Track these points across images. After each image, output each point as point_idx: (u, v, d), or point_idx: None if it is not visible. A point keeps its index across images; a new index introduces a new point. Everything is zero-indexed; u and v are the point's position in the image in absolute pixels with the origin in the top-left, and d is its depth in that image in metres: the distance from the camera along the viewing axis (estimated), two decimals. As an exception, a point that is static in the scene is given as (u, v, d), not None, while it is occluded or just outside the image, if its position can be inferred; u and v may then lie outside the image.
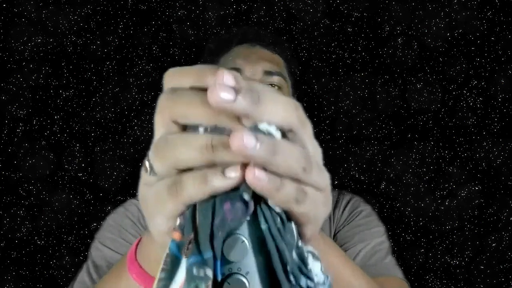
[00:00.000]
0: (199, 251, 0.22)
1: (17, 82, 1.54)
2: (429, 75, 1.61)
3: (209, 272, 0.22)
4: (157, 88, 1.61)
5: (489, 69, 1.61)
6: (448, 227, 1.60)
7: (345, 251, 0.74)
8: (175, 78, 0.24)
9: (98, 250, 0.73)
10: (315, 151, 0.26)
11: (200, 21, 1.58)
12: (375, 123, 1.62)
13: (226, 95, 0.20)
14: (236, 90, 0.20)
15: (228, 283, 0.23)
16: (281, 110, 0.23)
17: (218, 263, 0.22)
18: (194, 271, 0.22)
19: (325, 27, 1.61)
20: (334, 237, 0.80)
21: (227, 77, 0.20)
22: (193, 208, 0.23)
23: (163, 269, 0.23)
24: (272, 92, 0.22)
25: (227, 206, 0.23)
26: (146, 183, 0.26)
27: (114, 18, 1.60)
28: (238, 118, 0.22)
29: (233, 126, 0.22)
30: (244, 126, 0.22)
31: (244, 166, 0.22)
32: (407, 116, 1.63)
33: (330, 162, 1.60)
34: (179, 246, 0.24)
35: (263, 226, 0.23)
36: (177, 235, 0.24)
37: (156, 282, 0.23)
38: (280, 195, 0.22)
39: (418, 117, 1.63)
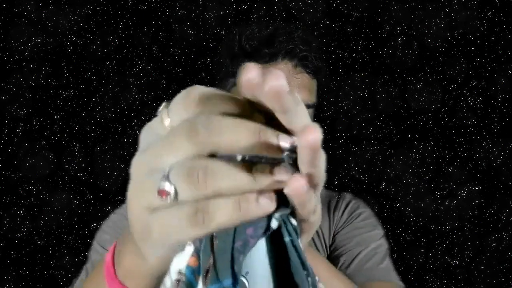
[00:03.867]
0: (218, 279, 0.21)
1: (17, 82, 1.54)
2: (429, 75, 1.61)
3: None
4: (157, 88, 1.61)
5: (489, 69, 1.61)
6: (448, 227, 1.60)
7: (343, 253, 0.75)
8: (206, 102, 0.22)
9: (97, 252, 0.73)
10: None
11: (200, 21, 1.58)
12: (375, 123, 1.62)
13: (280, 85, 0.20)
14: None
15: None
16: (319, 180, 0.23)
17: None
18: None
19: (325, 27, 1.61)
20: (333, 238, 0.80)
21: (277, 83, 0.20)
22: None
23: None
24: (321, 167, 0.23)
25: (249, 231, 0.22)
26: (150, 207, 0.23)
27: (114, 18, 1.60)
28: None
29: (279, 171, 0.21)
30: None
31: (274, 192, 0.21)
32: (407, 116, 1.63)
33: (330, 162, 1.59)
34: (194, 272, 0.23)
35: (287, 238, 0.23)
36: (192, 261, 0.23)
37: None
38: (309, 206, 0.23)
39: (418, 117, 1.63)
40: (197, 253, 0.23)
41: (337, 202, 0.85)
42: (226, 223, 0.21)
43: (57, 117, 1.58)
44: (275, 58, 0.72)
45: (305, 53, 0.72)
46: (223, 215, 0.21)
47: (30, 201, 1.55)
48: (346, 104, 1.60)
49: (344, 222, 0.81)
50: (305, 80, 0.74)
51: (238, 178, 0.21)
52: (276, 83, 0.20)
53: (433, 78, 1.61)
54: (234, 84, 0.74)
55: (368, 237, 0.77)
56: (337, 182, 1.61)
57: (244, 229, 0.22)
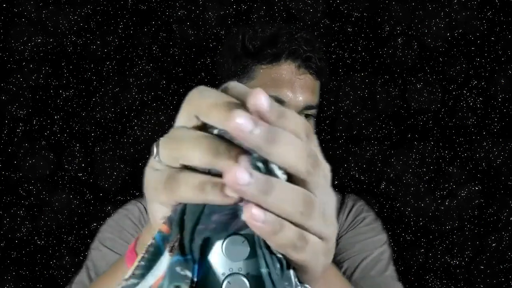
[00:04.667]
0: (183, 252, 0.22)
1: (17, 82, 1.54)
2: (429, 75, 1.61)
3: (189, 274, 0.22)
4: (157, 88, 1.61)
5: (489, 69, 1.61)
6: (448, 227, 1.60)
7: (346, 259, 0.74)
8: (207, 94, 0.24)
9: (98, 250, 0.73)
10: (326, 199, 0.24)
11: (200, 21, 1.58)
12: (375, 123, 1.62)
13: (246, 123, 0.19)
14: (256, 123, 0.19)
15: (229, 282, 0.23)
16: (292, 156, 0.21)
17: (196, 266, 0.23)
18: (178, 269, 0.22)
19: (325, 27, 1.61)
20: (336, 242, 0.80)
21: (260, 103, 0.20)
22: (184, 206, 0.23)
23: (143, 257, 0.23)
24: (289, 137, 0.21)
25: (214, 217, 0.22)
26: (151, 166, 0.26)
27: (114, 18, 1.60)
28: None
29: (229, 163, 0.21)
30: (246, 156, 0.21)
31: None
32: (407, 116, 1.63)
33: (330, 162, 1.59)
34: (164, 238, 0.24)
35: (263, 270, 0.22)
36: (164, 228, 0.24)
37: (133, 267, 0.23)
38: (278, 239, 0.21)
39: (418, 117, 1.63)
40: (170, 221, 0.24)
41: (342, 204, 0.85)
42: (188, 198, 0.22)
43: (57, 117, 1.58)
44: (278, 58, 0.72)
45: (308, 53, 0.72)
46: (187, 189, 0.22)
47: (30, 201, 1.55)
48: (346, 104, 1.60)
49: (348, 226, 0.81)
50: (308, 81, 0.74)
51: (202, 148, 0.22)
52: (235, 122, 0.19)
53: (433, 78, 1.61)
54: None
55: (372, 242, 0.76)
56: (337, 182, 1.61)
57: (210, 214, 0.22)
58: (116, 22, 1.60)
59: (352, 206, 0.84)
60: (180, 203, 0.24)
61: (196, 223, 0.23)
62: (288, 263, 0.24)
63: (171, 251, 0.23)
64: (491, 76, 1.61)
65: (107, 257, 0.71)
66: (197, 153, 0.22)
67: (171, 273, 0.22)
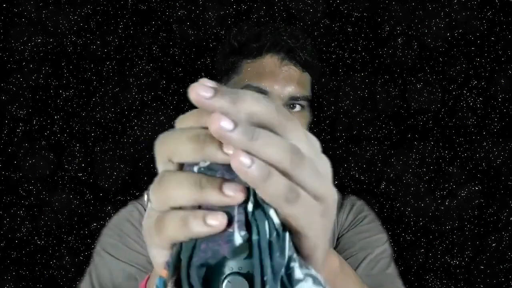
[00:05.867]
0: None
1: (17, 82, 1.54)
2: (429, 75, 1.61)
3: None
4: (157, 88, 1.61)
5: (489, 69, 1.61)
6: (448, 227, 1.60)
7: (347, 258, 0.75)
8: (180, 122, 0.24)
9: (100, 257, 0.72)
10: (321, 162, 0.25)
11: (200, 21, 1.58)
12: (375, 123, 1.62)
13: (226, 124, 0.20)
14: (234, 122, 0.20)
15: (229, 281, 0.23)
16: (274, 151, 0.21)
17: None
18: None
19: (325, 27, 1.61)
20: (337, 241, 0.80)
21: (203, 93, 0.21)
22: (179, 247, 0.24)
23: None
24: (267, 134, 0.21)
25: (203, 246, 0.23)
26: (147, 214, 0.26)
27: (114, 18, 1.60)
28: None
29: (213, 193, 0.22)
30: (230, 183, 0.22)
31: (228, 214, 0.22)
32: (407, 116, 1.63)
33: (330, 162, 1.59)
34: (164, 283, 0.24)
35: (254, 236, 0.22)
36: (164, 273, 0.24)
37: None
38: (268, 187, 0.21)
39: (418, 117, 1.63)
40: (167, 264, 0.24)
41: (342, 204, 0.85)
42: (177, 235, 0.23)
43: (57, 117, 1.58)
44: (261, 52, 0.73)
45: (291, 46, 0.73)
46: (172, 228, 0.23)
47: (30, 201, 1.55)
48: (346, 104, 1.60)
49: (349, 225, 0.81)
50: (293, 72, 0.74)
51: (184, 187, 0.22)
52: (215, 127, 0.20)
53: (433, 78, 1.61)
54: (227, 81, 0.76)
55: (373, 241, 0.77)
56: (337, 182, 1.61)
57: (200, 245, 0.23)
58: (116, 22, 1.60)
59: (352, 206, 0.84)
60: (175, 244, 0.24)
61: (190, 258, 0.23)
62: (284, 226, 0.23)
63: None
64: (491, 76, 1.61)
65: (109, 264, 0.71)
66: (181, 191, 0.23)
67: None
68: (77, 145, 1.58)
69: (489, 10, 1.59)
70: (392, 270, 0.74)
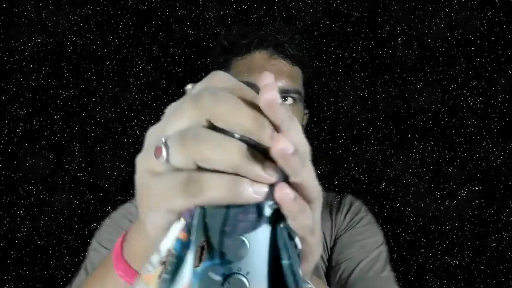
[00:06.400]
0: (212, 257, 0.22)
1: (17, 82, 1.54)
2: (429, 75, 1.61)
3: (219, 278, 0.22)
4: (157, 88, 1.61)
5: (489, 69, 1.61)
6: (448, 227, 1.60)
7: (344, 260, 0.75)
8: (224, 81, 0.25)
9: (96, 251, 0.72)
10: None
11: (200, 21, 1.58)
12: (375, 123, 1.62)
13: (289, 146, 0.21)
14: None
15: (228, 283, 0.23)
16: (312, 183, 0.24)
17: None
18: (211, 275, 0.22)
19: (325, 27, 1.61)
20: (334, 241, 0.80)
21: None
22: (203, 210, 0.23)
23: (166, 269, 0.23)
24: (296, 123, 0.24)
25: (240, 217, 0.22)
26: (151, 170, 0.24)
27: (114, 18, 1.60)
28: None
29: (254, 168, 0.22)
30: (271, 163, 0.23)
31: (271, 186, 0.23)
32: (407, 116, 1.63)
33: (330, 162, 1.60)
34: (183, 246, 0.23)
35: (285, 261, 0.22)
36: (183, 236, 0.23)
37: (158, 281, 0.23)
38: (302, 219, 0.23)
39: (418, 117, 1.63)
40: (188, 228, 0.23)
41: (339, 204, 0.85)
42: (217, 199, 0.22)
43: (57, 117, 1.58)
44: (250, 48, 0.75)
45: (279, 40, 0.75)
46: (215, 190, 0.21)
47: (30, 201, 1.55)
48: (346, 104, 1.60)
49: (346, 226, 0.81)
50: (283, 66, 0.75)
51: (228, 151, 0.21)
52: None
53: (433, 78, 1.61)
54: None
55: (369, 243, 0.77)
56: (337, 182, 1.61)
57: (236, 214, 0.22)
58: (116, 22, 1.60)
59: (350, 206, 0.84)
60: (195, 208, 0.23)
61: (224, 225, 0.22)
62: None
63: (200, 258, 0.22)
64: (491, 76, 1.61)
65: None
66: (224, 155, 0.21)
67: (205, 281, 0.21)
68: (77, 145, 1.58)
69: (489, 10, 1.59)
70: (388, 273, 0.74)
